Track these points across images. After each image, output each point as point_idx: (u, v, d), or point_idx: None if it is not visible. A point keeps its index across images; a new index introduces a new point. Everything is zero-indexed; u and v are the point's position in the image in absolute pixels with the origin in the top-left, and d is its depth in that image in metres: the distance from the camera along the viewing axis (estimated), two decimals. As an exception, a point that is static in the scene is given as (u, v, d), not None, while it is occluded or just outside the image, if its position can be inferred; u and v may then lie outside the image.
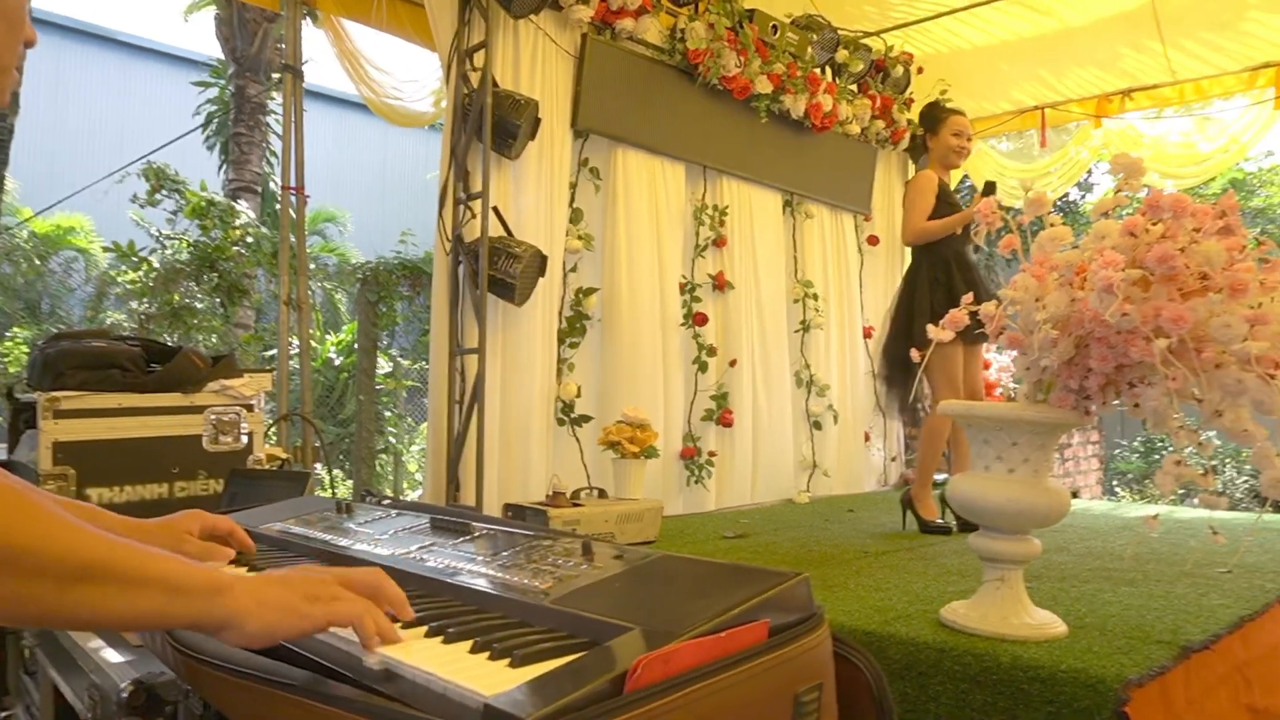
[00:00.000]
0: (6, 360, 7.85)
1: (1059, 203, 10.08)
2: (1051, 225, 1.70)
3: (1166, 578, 2.25)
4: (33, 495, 0.70)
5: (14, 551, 0.65)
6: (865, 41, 4.85)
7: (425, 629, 0.90)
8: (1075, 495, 4.91)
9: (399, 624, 0.89)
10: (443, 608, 0.98)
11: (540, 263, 3.26)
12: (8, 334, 8.53)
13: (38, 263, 9.62)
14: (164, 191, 6.17)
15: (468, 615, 0.95)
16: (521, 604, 0.95)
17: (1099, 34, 4.67)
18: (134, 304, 6.83)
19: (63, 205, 10.05)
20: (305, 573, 0.87)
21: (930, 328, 1.76)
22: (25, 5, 0.94)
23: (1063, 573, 2.32)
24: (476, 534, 1.29)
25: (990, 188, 3.24)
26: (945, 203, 3.32)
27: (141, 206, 6.24)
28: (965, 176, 5.93)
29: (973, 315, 1.77)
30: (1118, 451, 9.79)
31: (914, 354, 1.85)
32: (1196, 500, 1.68)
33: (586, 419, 3.60)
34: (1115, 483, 9.51)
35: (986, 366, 4.34)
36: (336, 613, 0.82)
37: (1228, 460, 8.62)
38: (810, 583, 0.92)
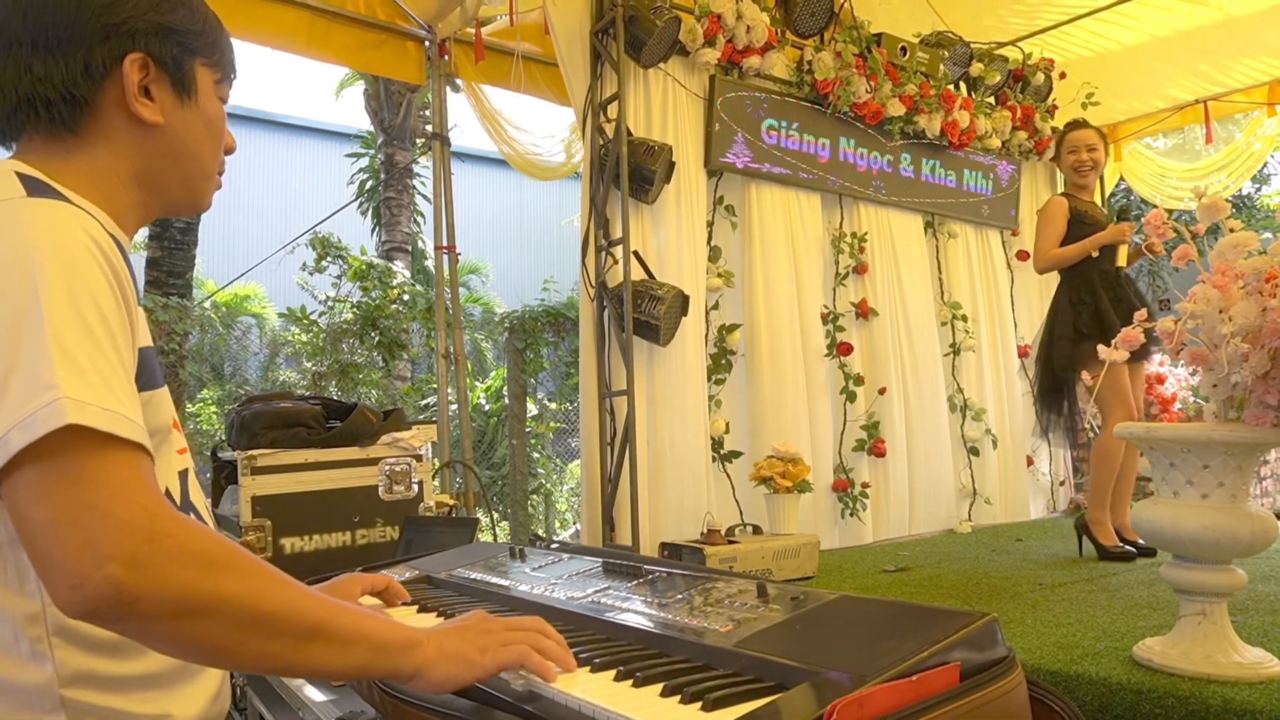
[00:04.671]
0: (199, 419, 8.62)
1: (1231, 199, 9.30)
2: (1231, 230, 1.60)
3: (1398, 608, 2.02)
4: (270, 566, 0.81)
5: (266, 615, 0.77)
6: (1001, 52, 4.69)
7: (615, 672, 0.93)
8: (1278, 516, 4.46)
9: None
10: (627, 651, 1.01)
11: (682, 303, 3.31)
12: (198, 395, 9.37)
13: (221, 330, 10.55)
14: (329, 258, 6.69)
15: (651, 659, 0.98)
16: (703, 646, 0.97)
17: (1269, 20, 4.32)
18: (305, 363, 7.38)
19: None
20: (479, 622, 0.96)
21: (1102, 348, 1.67)
22: (224, 115, 1.05)
23: (1273, 605, 2.13)
24: (648, 576, 1.31)
25: (1124, 212, 3.12)
26: (1081, 224, 3.18)
27: (310, 274, 6.77)
28: (1120, 179, 5.60)
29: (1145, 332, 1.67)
30: (1321, 465, 8.83)
31: (1086, 378, 1.76)
32: None
33: (736, 455, 3.60)
34: (1321, 500, 8.56)
35: (1161, 381, 4.05)
36: (501, 660, 0.92)
37: None
38: (1000, 623, 0.89)
